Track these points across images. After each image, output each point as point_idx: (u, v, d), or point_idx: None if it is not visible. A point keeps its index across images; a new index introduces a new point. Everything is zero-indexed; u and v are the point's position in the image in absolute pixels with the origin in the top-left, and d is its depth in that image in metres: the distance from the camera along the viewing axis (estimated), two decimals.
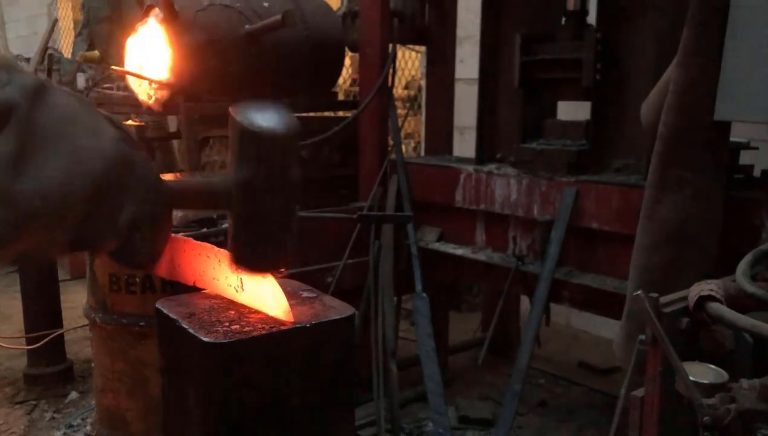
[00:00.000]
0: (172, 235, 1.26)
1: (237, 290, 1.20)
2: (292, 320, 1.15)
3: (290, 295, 1.29)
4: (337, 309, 1.22)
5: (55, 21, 8.34)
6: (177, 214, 2.74)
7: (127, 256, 0.93)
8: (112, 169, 0.81)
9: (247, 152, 0.98)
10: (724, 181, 2.25)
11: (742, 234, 2.24)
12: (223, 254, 1.20)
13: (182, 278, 1.26)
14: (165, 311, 1.20)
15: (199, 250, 1.23)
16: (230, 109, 1.01)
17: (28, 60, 6.11)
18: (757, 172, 2.55)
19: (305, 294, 1.29)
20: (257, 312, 1.19)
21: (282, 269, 1.10)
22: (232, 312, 1.19)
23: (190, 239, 1.25)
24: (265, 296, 1.16)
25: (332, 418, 1.20)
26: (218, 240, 2.72)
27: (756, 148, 2.61)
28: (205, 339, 1.08)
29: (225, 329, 1.12)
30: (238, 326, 1.13)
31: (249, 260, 1.07)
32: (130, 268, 0.96)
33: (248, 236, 1.04)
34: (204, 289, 1.27)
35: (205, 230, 2.74)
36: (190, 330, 1.11)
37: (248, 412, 1.11)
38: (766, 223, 2.23)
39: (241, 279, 1.19)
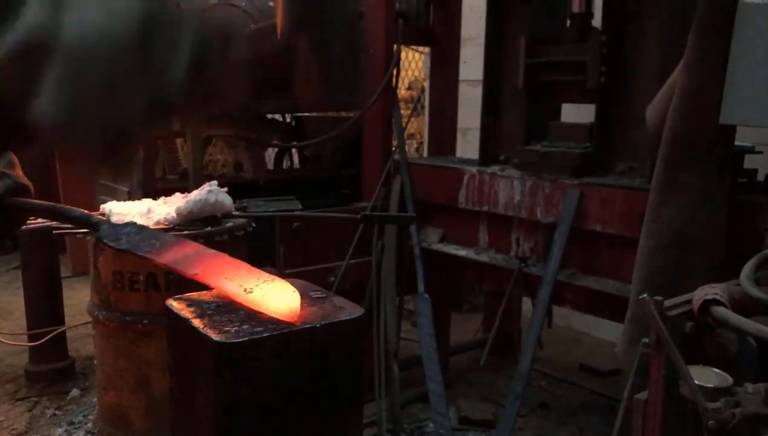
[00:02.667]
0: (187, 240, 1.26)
1: (246, 291, 1.20)
2: (295, 319, 1.15)
3: (300, 295, 1.29)
4: (347, 310, 1.23)
5: None
6: (181, 213, 2.75)
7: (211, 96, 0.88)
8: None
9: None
10: (729, 185, 2.25)
11: (746, 238, 2.25)
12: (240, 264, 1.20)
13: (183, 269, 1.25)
14: (175, 310, 1.21)
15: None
16: None
17: None
18: (761, 177, 2.56)
19: (314, 295, 1.30)
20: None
21: None
22: (243, 312, 1.19)
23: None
24: (274, 295, 1.16)
25: (341, 418, 1.21)
26: (222, 239, 2.73)
27: (760, 153, 2.62)
28: (216, 339, 1.08)
29: (236, 328, 1.12)
30: (248, 326, 1.13)
31: None
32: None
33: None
34: (205, 284, 1.26)
35: (209, 228, 2.74)
36: (201, 330, 1.12)
37: (258, 411, 1.11)
38: None
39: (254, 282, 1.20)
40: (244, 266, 1.22)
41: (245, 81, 0.93)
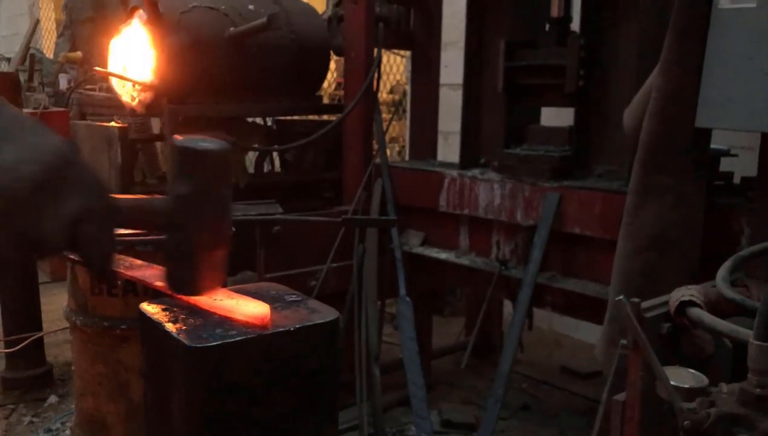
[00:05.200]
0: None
1: (215, 298, 1.19)
2: (268, 323, 1.14)
3: (274, 298, 1.29)
4: (322, 313, 1.22)
5: (37, 21, 8.25)
6: None
7: (83, 257, 0.94)
8: (58, 162, 0.86)
9: (184, 169, 1.04)
10: (705, 187, 2.27)
11: (722, 240, 2.27)
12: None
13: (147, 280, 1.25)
14: (149, 315, 1.20)
15: None
16: (173, 138, 1.07)
17: (9, 60, 6.05)
18: (736, 180, 2.58)
19: (289, 298, 1.29)
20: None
21: (215, 289, 1.13)
22: (217, 316, 1.18)
23: None
24: (244, 303, 1.15)
25: (316, 422, 1.20)
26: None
27: (735, 156, 2.64)
28: (189, 344, 1.07)
29: (209, 333, 1.11)
30: (221, 330, 1.12)
31: (185, 282, 1.10)
32: (92, 272, 0.99)
33: (183, 254, 1.06)
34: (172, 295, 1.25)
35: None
36: (174, 334, 1.10)
37: (232, 417, 1.10)
38: (746, 229, 2.26)
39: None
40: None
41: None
